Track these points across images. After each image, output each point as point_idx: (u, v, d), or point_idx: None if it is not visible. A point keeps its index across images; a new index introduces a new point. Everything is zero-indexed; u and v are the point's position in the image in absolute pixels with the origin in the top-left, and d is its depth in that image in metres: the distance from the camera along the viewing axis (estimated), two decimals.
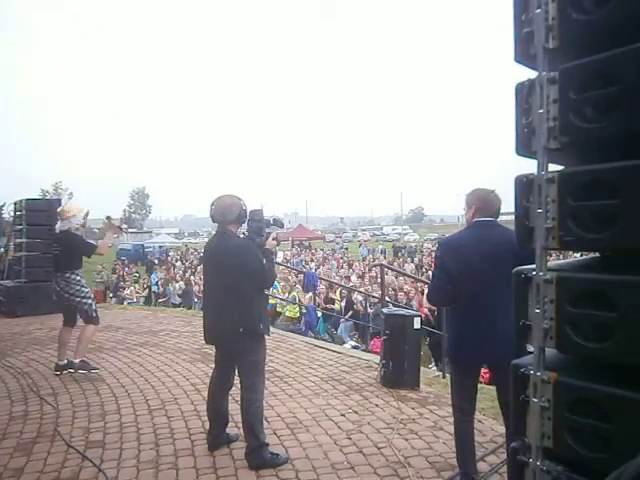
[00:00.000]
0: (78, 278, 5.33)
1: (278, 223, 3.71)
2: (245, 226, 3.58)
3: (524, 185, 1.48)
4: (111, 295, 17.12)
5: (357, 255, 28.16)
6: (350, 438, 3.80)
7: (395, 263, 20.87)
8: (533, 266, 1.46)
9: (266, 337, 3.57)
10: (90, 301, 5.37)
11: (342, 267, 19.88)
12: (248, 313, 3.36)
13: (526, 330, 1.46)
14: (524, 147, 1.49)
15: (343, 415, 4.24)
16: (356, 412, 4.31)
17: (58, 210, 5.85)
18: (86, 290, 5.40)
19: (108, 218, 5.73)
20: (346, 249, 35.13)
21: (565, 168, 1.48)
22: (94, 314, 5.41)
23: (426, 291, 11.78)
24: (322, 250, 30.57)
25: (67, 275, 5.29)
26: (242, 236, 3.58)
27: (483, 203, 3.00)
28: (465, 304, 2.93)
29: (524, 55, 1.52)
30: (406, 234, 67.00)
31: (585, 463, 1.35)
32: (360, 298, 12.80)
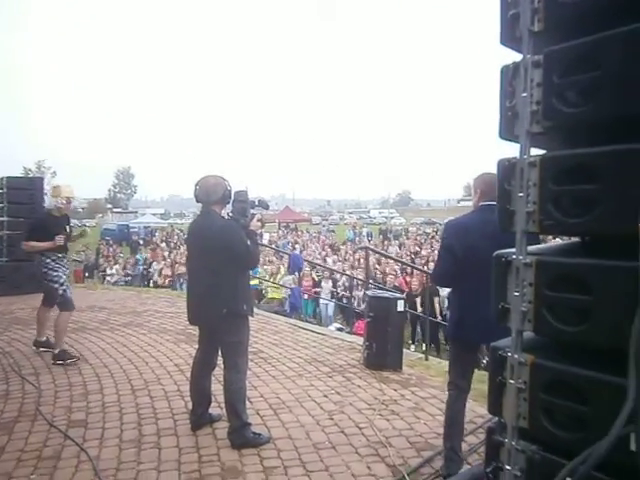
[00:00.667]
0: (48, 261, 5.23)
1: (263, 204, 3.70)
2: (230, 207, 3.56)
3: (506, 169, 1.49)
4: (87, 275, 16.97)
5: (343, 238, 28.21)
6: (332, 419, 3.85)
7: (379, 247, 20.94)
8: (513, 250, 1.47)
9: (250, 318, 3.57)
10: (57, 285, 5.23)
11: (324, 250, 19.85)
12: (232, 294, 3.36)
13: (505, 313, 1.48)
14: (507, 131, 1.50)
15: (326, 396, 4.28)
16: (339, 393, 4.36)
17: (52, 186, 5.84)
18: (54, 274, 5.24)
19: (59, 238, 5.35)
20: (333, 231, 35.15)
21: (547, 152, 1.48)
22: (62, 299, 5.29)
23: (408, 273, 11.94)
24: (308, 232, 30.55)
25: (41, 258, 5.27)
26: (226, 217, 3.56)
27: (488, 187, 3.01)
28: (468, 285, 2.97)
29: (509, 38, 1.51)
30: (392, 218, 67.09)
31: (559, 443, 1.38)
32: (344, 279, 12.92)
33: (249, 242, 3.37)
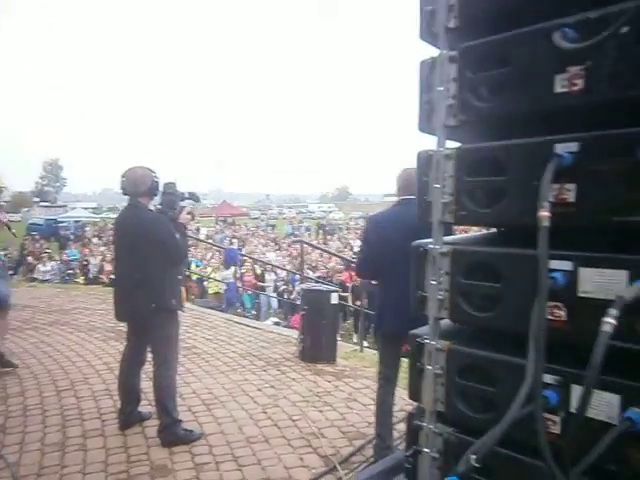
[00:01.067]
0: None
1: (193, 197, 3.62)
2: (158, 199, 3.47)
3: (424, 160, 1.53)
4: (12, 273, 16.04)
5: (283, 232, 28.16)
6: (266, 412, 3.84)
7: (316, 241, 21.03)
8: (431, 240, 1.51)
9: (183, 314, 3.50)
10: None
11: (266, 246, 19.73)
12: (160, 289, 3.28)
13: (422, 301, 1.52)
14: (425, 124, 1.53)
15: (260, 390, 4.27)
16: (273, 387, 4.36)
17: None
18: None
19: None
20: (272, 226, 34.93)
21: (462, 145, 1.54)
22: None
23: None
24: (247, 227, 30.22)
25: None
26: (154, 210, 3.46)
27: (406, 182, 3.09)
28: (389, 277, 3.04)
29: (427, 33, 1.55)
30: (331, 212, 67.47)
31: (473, 425, 1.44)
32: (284, 274, 12.91)
33: (178, 235, 3.30)
